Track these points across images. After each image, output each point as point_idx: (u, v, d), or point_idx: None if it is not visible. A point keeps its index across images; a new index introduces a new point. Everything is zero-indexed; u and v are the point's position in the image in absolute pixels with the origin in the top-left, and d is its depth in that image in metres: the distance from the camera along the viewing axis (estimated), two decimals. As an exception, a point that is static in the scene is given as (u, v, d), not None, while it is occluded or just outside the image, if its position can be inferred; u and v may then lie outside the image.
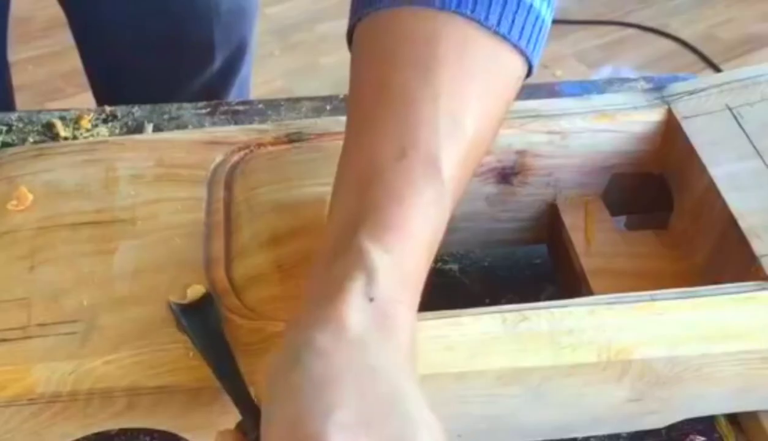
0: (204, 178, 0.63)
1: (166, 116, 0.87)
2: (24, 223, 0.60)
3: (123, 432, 0.58)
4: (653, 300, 0.55)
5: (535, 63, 0.59)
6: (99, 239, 0.59)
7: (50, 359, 0.52)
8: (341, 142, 0.64)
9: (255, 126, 0.68)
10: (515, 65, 0.57)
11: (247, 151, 0.65)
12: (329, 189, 0.61)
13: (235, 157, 0.65)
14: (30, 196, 0.60)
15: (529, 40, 0.56)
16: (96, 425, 0.54)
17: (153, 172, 0.63)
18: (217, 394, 0.52)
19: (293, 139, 0.66)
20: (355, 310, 0.46)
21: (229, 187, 0.63)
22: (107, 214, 0.60)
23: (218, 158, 0.65)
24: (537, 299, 0.73)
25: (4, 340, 0.53)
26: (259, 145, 0.66)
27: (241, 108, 0.88)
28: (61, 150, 0.66)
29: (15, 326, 0.54)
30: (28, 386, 0.52)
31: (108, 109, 0.88)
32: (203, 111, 0.88)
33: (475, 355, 0.53)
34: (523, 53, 0.56)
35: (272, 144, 0.66)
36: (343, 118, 0.68)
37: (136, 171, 0.63)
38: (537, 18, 0.56)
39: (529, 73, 0.60)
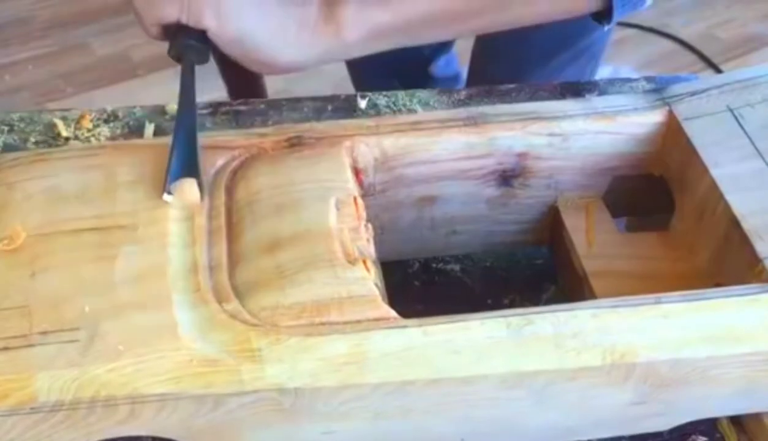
0: (205, 183, 0.63)
1: (167, 116, 0.87)
2: (25, 229, 0.60)
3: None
4: (657, 303, 0.55)
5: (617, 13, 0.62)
6: (100, 245, 0.58)
7: (52, 367, 0.52)
8: (342, 146, 0.65)
9: (255, 130, 0.68)
10: None
11: (247, 155, 0.65)
12: (331, 193, 0.61)
13: (236, 162, 0.65)
14: (23, 235, 0.59)
15: None
16: (99, 433, 0.54)
17: (153, 177, 0.62)
18: (221, 400, 0.53)
19: (294, 142, 0.66)
20: None
21: (230, 191, 0.63)
22: (108, 220, 0.60)
23: (219, 163, 0.64)
24: (539, 299, 0.73)
25: (6, 348, 0.53)
26: (260, 149, 0.65)
27: (242, 108, 0.88)
28: (61, 155, 0.66)
29: (16, 334, 0.54)
30: (31, 395, 0.52)
31: (109, 108, 0.88)
32: (205, 111, 0.88)
33: (480, 359, 0.53)
34: None
35: (273, 148, 0.65)
36: (344, 121, 0.69)
37: (136, 176, 0.63)
38: None
39: (603, 17, 0.64)
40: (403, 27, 0.64)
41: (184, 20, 0.63)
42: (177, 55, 0.66)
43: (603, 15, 0.65)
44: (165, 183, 0.61)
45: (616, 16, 0.64)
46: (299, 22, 0.64)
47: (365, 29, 0.64)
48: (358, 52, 0.68)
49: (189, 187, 0.60)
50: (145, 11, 0.65)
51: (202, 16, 0.62)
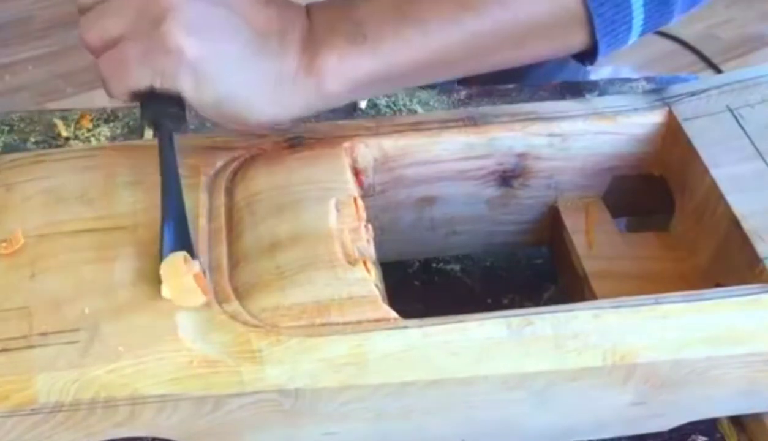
0: (204, 184, 0.63)
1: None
2: (24, 230, 0.60)
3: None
4: (658, 303, 0.55)
5: (603, 47, 0.62)
6: (100, 246, 0.58)
7: (52, 369, 0.52)
8: (342, 147, 0.65)
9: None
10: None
11: (247, 156, 0.65)
12: (331, 194, 0.61)
13: (236, 163, 0.65)
14: (22, 239, 0.58)
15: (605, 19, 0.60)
16: (99, 434, 0.53)
17: (153, 178, 0.62)
18: (221, 401, 0.53)
19: (293, 143, 0.66)
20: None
21: (229, 192, 0.62)
22: (108, 221, 0.60)
23: (218, 163, 0.64)
24: (539, 299, 0.73)
25: (6, 349, 0.53)
26: (259, 150, 0.65)
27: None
28: (60, 156, 0.66)
29: (16, 335, 0.54)
30: (30, 396, 0.51)
31: (109, 108, 0.88)
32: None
33: (480, 360, 0.53)
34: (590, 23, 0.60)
35: (272, 149, 0.65)
36: (343, 122, 0.69)
37: (135, 177, 0.63)
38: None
39: (589, 57, 0.63)
40: (388, 76, 0.61)
41: (158, 85, 0.57)
42: (152, 122, 0.60)
43: (586, 55, 0.64)
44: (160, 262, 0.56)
45: (601, 56, 0.63)
46: (277, 76, 0.59)
47: (348, 80, 0.60)
48: (342, 102, 0.64)
49: (179, 268, 0.55)
50: (113, 79, 0.58)
51: (177, 79, 0.57)
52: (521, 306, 0.72)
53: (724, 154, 0.64)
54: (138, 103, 0.60)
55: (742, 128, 0.65)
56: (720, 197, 0.61)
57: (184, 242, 0.57)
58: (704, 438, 0.64)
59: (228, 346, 0.53)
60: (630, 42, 0.63)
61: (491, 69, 0.64)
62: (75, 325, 0.54)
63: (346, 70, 0.60)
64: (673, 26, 2.17)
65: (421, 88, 0.91)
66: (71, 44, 2.16)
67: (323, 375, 0.52)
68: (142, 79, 0.57)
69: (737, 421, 0.64)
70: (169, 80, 0.57)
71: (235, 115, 0.60)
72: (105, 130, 0.86)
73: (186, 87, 0.57)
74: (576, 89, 0.90)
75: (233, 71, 0.58)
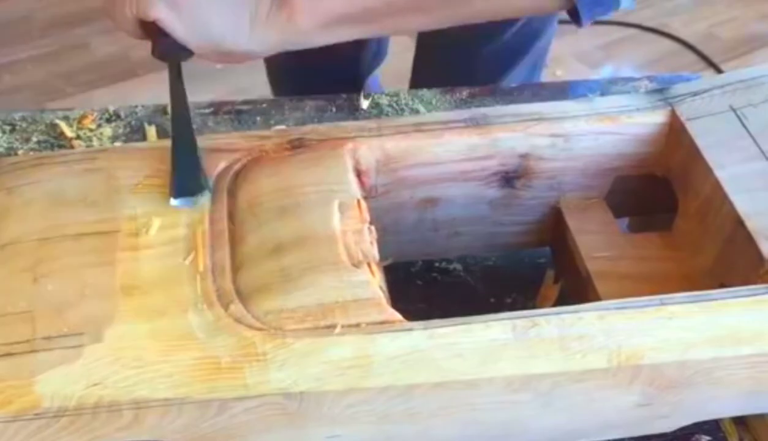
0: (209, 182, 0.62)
1: (168, 116, 0.87)
2: (26, 234, 0.59)
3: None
4: (663, 304, 0.55)
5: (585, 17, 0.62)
6: (102, 250, 0.58)
7: (56, 373, 0.52)
8: (344, 148, 0.65)
9: (257, 132, 0.68)
10: None
11: (249, 158, 0.65)
12: (334, 195, 0.61)
13: (238, 165, 0.64)
14: None
15: None
16: (103, 439, 0.53)
17: (155, 181, 0.62)
18: (226, 405, 0.52)
19: (295, 145, 0.65)
20: None
21: (232, 194, 0.62)
22: (109, 225, 0.60)
23: (220, 165, 0.64)
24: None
25: (9, 354, 0.53)
26: (262, 151, 0.65)
27: (244, 108, 0.88)
28: (61, 159, 0.65)
29: (20, 340, 0.53)
30: (34, 401, 0.51)
31: (111, 108, 0.88)
32: (206, 111, 0.88)
33: (485, 362, 0.53)
34: None
35: (274, 150, 0.65)
36: (345, 123, 0.69)
37: (137, 180, 0.63)
38: None
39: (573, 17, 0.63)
40: (359, 17, 0.63)
41: (132, 13, 0.61)
42: (160, 54, 0.63)
43: (574, 15, 0.65)
44: (171, 188, 0.61)
45: (585, 19, 0.64)
46: (253, 9, 0.62)
47: (319, 16, 0.63)
48: (317, 40, 0.66)
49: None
50: (109, 12, 0.63)
51: (152, 7, 0.60)
52: (524, 306, 0.72)
53: (728, 154, 0.63)
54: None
55: (746, 128, 0.65)
56: (724, 197, 0.61)
57: (193, 172, 0.62)
58: (708, 438, 0.64)
59: (232, 350, 0.53)
60: (623, 5, 0.63)
61: (468, 20, 0.65)
62: (78, 329, 0.54)
63: (317, 6, 0.62)
64: (673, 26, 2.17)
65: (422, 87, 0.91)
66: (71, 44, 2.16)
67: (328, 378, 0.52)
68: (121, 7, 0.61)
69: (740, 419, 0.64)
70: (143, 8, 0.60)
71: (210, 45, 0.63)
72: (107, 130, 0.86)
73: (161, 15, 0.60)
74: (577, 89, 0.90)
75: (207, 1, 0.61)
